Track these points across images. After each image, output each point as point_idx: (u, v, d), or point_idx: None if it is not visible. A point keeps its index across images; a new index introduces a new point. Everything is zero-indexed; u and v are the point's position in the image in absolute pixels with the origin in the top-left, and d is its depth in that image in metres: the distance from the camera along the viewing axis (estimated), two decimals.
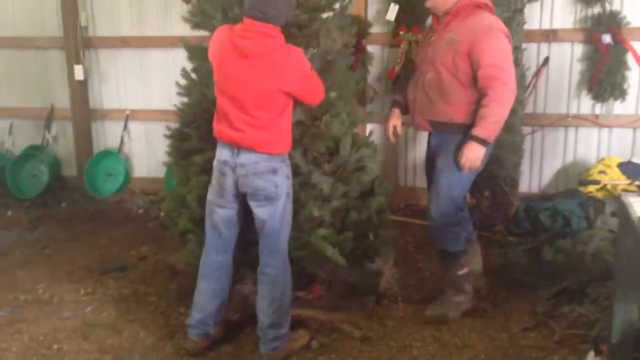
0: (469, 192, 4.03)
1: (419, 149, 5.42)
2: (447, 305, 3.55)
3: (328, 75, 3.29)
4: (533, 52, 5.07)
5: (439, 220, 3.43)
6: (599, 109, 5.09)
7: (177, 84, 3.51)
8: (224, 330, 3.33)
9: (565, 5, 5.01)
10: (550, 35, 5.04)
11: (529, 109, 5.07)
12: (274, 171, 2.94)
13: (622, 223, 2.59)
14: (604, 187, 4.52)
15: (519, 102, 4.64)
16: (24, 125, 6.31)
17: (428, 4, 3.37)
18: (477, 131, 3.21)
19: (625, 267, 2.46)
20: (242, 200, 3.05)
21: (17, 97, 6.23)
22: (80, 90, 6.00)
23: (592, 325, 3.31)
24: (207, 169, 3.22)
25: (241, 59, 2.83)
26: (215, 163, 3.05)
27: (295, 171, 3.17)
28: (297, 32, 3.19)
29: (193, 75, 3.48)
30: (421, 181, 5.38)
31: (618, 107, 5.03)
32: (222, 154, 2.99)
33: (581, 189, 4.66)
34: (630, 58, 4.90)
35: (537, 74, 5.09)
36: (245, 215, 3.09)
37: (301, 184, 3.25)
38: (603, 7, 4.88)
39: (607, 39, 4.85)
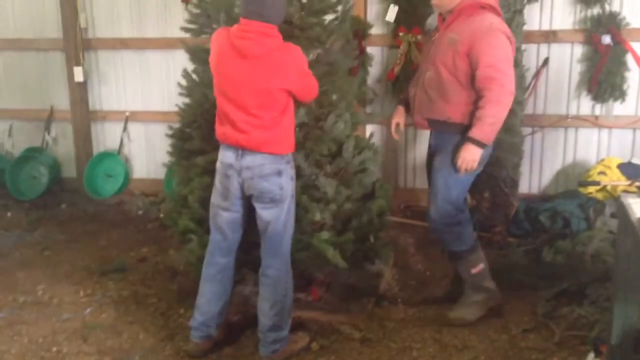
0: (469, 193, 4.02)
1: (419, 150, 5.42)
2: (466, 305, 3.52)
3: (330, 77, 3.29)
4: (533, 53, 5.07)
5: (439, 221, 3.42)
6: (598, 109, 5.08)
7: (179, 84, 3.52)
8: (225, 331, 3.32)
9: (565, 6, 5.00)
10: (549, 36, 5.03)
11: (528, 109, 5.06)
12: (279, 173, 2.93)
13: (621, 224, 2.59)
14: (603, 188, 4.52)
15: (519, 103, 4.64)
16: (24, 126, 6.29)
17: (434, 2, 3.37)
18: (473, 133, 3.20)
19: (625, 268, 2.46)
20: (247, 202, 3.04)
21: (17, 99, 6.22)
22: (79, 92, 5.99)
23: (591, 326, 3.31)
24: (209, 170, 3.21)
25: (240, 59, 2.83)
26: (218, 165, 3.03)
27: (298, 174, 3.16)
28: (299, 34, 3.19)
29: (194, 76, 3.48)
30: (421, 182, 5.39)
31: (618, 108, 5.02)
32: (225, 156, 2.97)
33: (581, 190, 4.67)
34: (629, 59, 4.90)
35: (536, 75, 5.08)
36: (249, 217, 3.09)
37: (304, 187, 3.25)
38: (603, 8, 4.87)
39: (606, 39, 4.84)
